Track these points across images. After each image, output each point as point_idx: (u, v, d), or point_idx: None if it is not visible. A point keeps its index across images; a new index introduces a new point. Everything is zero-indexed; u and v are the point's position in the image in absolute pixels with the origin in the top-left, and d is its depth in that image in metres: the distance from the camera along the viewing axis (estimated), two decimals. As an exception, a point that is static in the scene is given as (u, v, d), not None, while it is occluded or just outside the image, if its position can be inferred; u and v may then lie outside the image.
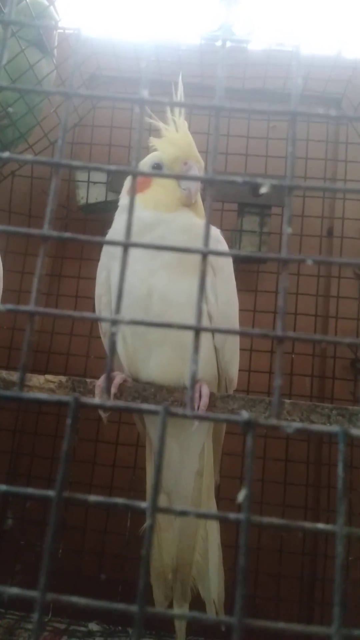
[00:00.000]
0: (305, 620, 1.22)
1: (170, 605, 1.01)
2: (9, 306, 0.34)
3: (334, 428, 0.31)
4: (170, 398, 0.79)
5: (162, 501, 0.94)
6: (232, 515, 0.30)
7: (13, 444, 1.36)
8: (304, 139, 1.40)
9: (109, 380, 0.33)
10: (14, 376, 0.78)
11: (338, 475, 0.30)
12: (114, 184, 1.38)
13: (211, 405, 0.78)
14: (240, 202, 1.36)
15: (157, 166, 0.90)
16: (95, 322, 1.32)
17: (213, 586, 0.99)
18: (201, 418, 0.32)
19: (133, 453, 1.30)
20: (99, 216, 1.43)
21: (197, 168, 0.88)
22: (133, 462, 1.29)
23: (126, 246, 0.35)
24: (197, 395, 0.78)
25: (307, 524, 0.31)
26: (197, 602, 1.01)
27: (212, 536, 1.00)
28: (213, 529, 1.00)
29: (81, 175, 1.40)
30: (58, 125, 1.39)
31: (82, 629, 1.20)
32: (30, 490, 0.31)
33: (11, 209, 1.41)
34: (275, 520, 0.30)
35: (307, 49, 1.39)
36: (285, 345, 1.49)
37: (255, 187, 1.16)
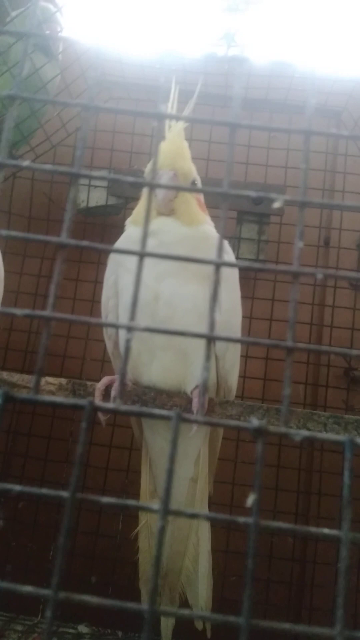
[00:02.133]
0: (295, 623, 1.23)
1: (169, 615, 1.02)
2: (26, 311, 0.35)
3: (342, 437, 0.32)
4: (169, 402, 0.80)
5: (156, 505, 0.95)
6: (241, 519, 0.31)
7: (7, 444, 1.36)
8: (304, 150, 1.42)
9: (124, 385, 0.34)
10: (14, 377, 0.79)
11: (344, 483, 0.31)
12: (114, 188, 1.39)
13: (210, 410, 0.79)
14: (239, 210, 1.38)
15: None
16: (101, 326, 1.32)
17: (201, 592, 0.99)
18: (212, 424, 0.33)
19: (126, 456, 1.30)
20: (99, 219, 1.44)
21: (168, 176, 0.87)
22: (126, 465, 1.30)
23: (142, 255, 0.36)
24: (196, 400, 0.79)
25: (313, 529, 0.32)
26: (184, 608, 1.02)
27: (203, 542, 1.01)
28: (204, 535, 1.01)
29: (82, 179, 1.41)
30: (61, 129, 1.40)
31: (72, 630, 1.21)
32: (44, 491, 0.32)
33: (11, 210, 1.41)
34: (283, 524, 0.31)
35: (309, 63, 1.41)
36: (279, 353, 1.51)
37: (256, 197, 1.17)
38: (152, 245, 0.82)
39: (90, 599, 0.31)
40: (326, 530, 0.31)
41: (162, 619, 1.01)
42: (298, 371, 1.38)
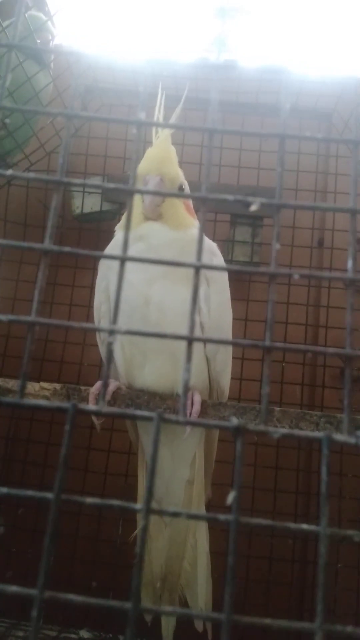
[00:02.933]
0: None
1: (158, 614, 1.02)
2: (11, 317, 0.36)
3: (318, 434, 0.32)
4: (163, 405, 0.81)
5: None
6: (221, 516, 0.32)
7: (6, 450, 1.37)
8: (296, 152, 1.43)
9: (106, 387, 0.34)
10: (9, 383, 0.79)
11: (322, 479, 0.32)
12: (108, 194, 1.40)
13: (203, 412, 0.80)
14: (232, 213, 1.39)
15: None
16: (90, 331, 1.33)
17: (201, 595, 1.00)
18: (193, 424, 0.34)
19: (125, 461, 1.31)
20: (93, 225, 1.45)
21: (155, 182, 0.88)
22: (125, 470, 1.30)
23: (123, 260, 0.37)
24: (189, 402, 0.80)
25: (292, 525, 0.32)
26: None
27: (201, 545, 1.01)
28: (202, 537, 1.01)
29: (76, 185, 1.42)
30: (55, 136, 1.41)
31: (73, 636, 1.21)
32: (29, 493, 0.33)
33: (7, 217, 1.43)
34: (263, 521, 0.32)
35: (299, 65, 1.43)
36: (276, 354, 1.51)
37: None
38: (140, 249, 0.83)
39: (75, 598, 0.32)
40: (305, 526, 0.32)
41: (163, 621, 1.01)
42: (295, 372, 1.38)
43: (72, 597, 0.31)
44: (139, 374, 0.89)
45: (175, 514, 0.32)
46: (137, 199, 0.87)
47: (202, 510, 1.02)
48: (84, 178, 1.44)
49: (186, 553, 1.00)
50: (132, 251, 0.83)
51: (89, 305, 1.33)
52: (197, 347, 0.88)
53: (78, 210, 1.41)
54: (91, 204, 1.42)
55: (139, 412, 0.34)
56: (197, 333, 0.87)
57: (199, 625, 1.00)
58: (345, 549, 1.23)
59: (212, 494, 1.10)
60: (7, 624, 1.22)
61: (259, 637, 1.08)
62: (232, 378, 1.05)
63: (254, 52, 1.54)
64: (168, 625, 1.01)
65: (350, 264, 0.38)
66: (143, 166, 0.89)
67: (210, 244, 0.94)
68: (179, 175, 0.92)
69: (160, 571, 1.01)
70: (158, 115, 0.92)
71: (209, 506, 1.07)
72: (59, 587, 0.31)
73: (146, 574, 1.00)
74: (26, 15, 1.21)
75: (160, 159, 0.90)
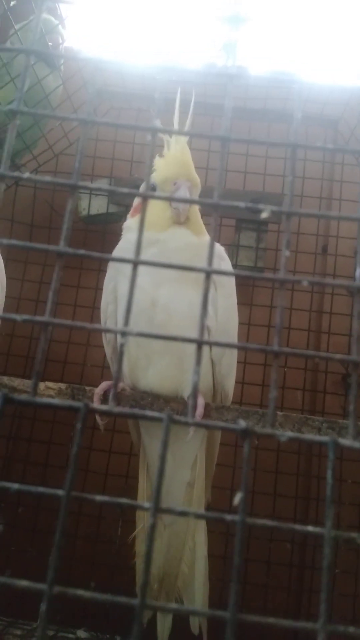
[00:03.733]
0: (293, 630, 1.23)
1: (154, 616, 1.03)
2: (25, 316, 0.37)
3: (324, 438, 0.33)
4: (166, 407, 0.82)
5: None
6: (228, 517, 0.32)
7: (7, 450, 1.37)
8: (302, 159, 1.44)
9: (117, 387, 0.35)
10: (16, 382, 0.80)
11: (327, 482, 0.33)
12: (115, 197, 1.41)
13: (206, 415, 0.81)
14: (237, 218, 1.40)
15: (152, 188, 0.93)
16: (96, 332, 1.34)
17: (197, 597, 1.00)
18: (201, 425, 0.34)
19: (126, 461, 1.31)
20: (99, 227, 1.46)
21: (187, 187, 0.90)
22: (126, 471, 1.31)
23: (135, 263, 0.38)
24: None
25: (298, 527, 0.33)
26: (181, 614, 1.02)
27: (199, 548, 1.02)
28: (201, 540, 1.02)
29: (90, 189, 1.43)
30: (63, 138, 1.42)
31: (71, 635, 1.21)
32: (41, 489, 0.34)
33: (14, 218, 1.44)
34: (269, 522, 0.33)
35: (307, 72, 1.44)
36: (278, 359, 1.51)
37: (245, 207, 1.19)
38: (154, 253, 0.84)
39: (84, 593, 0.32)
40: (310, 528, 0.33)
41: (159, 623, 1.01)
42: (296, 377, 1.39)
43: (81, 592, 0.32)
44: (143, 375, 0.90)
45: (183, 513, 0.33)
46: (161, 203, 0.89)
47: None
48: (91, 180, 1.45)
49: (184, 555, 1.01)
50: (145, 254, 0.84)
51: (94, 306, 1.34)
52: (204, 350, 0.89)
53: (85, 212, 1.42)
54: (98, 206, 1.43)
55: (149, 413, 0.34)
56: (204, 336, 0.88)
57: (194, 628, 1.00)
58: (342, 555, 1.23)
59: (212, 497, 1.10)
60: (5, 623, 1.22)
61: (258, 634, 1.08)
62: (234, 382, 1.06)
63: (262, 58, 1.55)
64: (164, 628, 1.01)
65: (358, 272, 0.38)
66: (172, 170, 0.91)
67: (219, 249, 0.96)
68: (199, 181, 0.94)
69: (158, 573, 1.01)
70: (174, 121, 0.94)
71: (208, 509, 1.07)
72: (69, 596, 0.32)
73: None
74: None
75: (187, 163, 0.92)
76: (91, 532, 1.30)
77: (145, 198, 0.41)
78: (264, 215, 0.39)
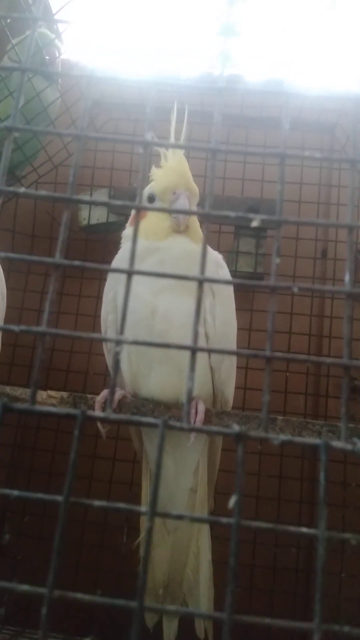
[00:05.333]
0: (299, 635, 1.23)
1: (160, 621, 1.03)
2: (23, 327, 0.38)
3: (317, 440, 0.34)
4: (167, 414, 0.82)
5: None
6: (224, 519, 0.33)
7: (12, 458, 1.38)
8: (299, 165, 1.45)
9: (112, 394, 0.36)
10: (18, 391, 0.81)
11: (320, 484, 0.33)
12: (115, 206, 1.43)
13: (207, 421, 0.81)
14: (236, 225, 1.41)
15: (151, 197, 0.94)
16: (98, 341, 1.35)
17: (202, 602, 1.00)
18: (196, 430, 0.35)
19: (130, 469, 1.32)
20: (100, 237, 1.47)
21: (186, 196, 0.91)
22: (130, 479, 1.31)
23: (130, 273, 0.39)
24: (193, 410, 0.82)
25: (292, 528, 0.34)
26: (187, 618, 1.03)
27: (204, 553, 1.02)
28: (205, 545, 1.02)
29: (83, 197, 1.45)
30: (62, 150, 1.44)
31: (78, 644, 1.21)
32: (39, 495, 0.34)
33: (15, 229, 1.45)
34: (263, 524, 0.33)
35: (302, 79, 1.45)
36: (280, 364, 1.52)
37: (249, 213, 1.21)
38: (154, 261, 0.85)
39: (83, 597, 0.33)
40: (304, 529, 0.33)
41: (165, 628, 1.02)
42: (298, 382, 1.39)
43: (79, 595, 0.33)
44: (144, 383, 0.91)
45: (179, 517, 0.34)
46: (158, 215, 0.91)
47: (206, 518, 1.02)
48: (91, 190, 1.46)
49: (189, 561, 1.01)
50: (146, 263, 0.86)
51: (95, 315, 1.35)
52: (202, 357, 0.90)
53: (85, 222, 1.44)
54: (98, 215, 1.44)
55: (145, 419, 0.35)
56: (202, 343, 0.89)
57: (200, 632, 1.00)
58: (348, 559, 1.23)
59: (215, 503, 1.11)
60: (12, 632, 1.22)
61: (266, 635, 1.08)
62: (236, 387, 1.07)
63: (258, 66, 1.57)
64: (170, 632, 1.02)
65: (347, 277, 0.39)
66: (171, 180, 0.93)
67: (216, 256, 0.97)
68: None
69: (162, 578, 1.01)
70: (172, 132, 0.95)
71: (212, 515, 1.07)
72: (69, 599, 0.33)
73: (149, 581, 1.01)
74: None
75: (185, 173, 0.94)
76: (97, 540, 1.31)
77: (138, 210, 0.42)
78: (255, 224, 0.40)
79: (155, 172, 0.95)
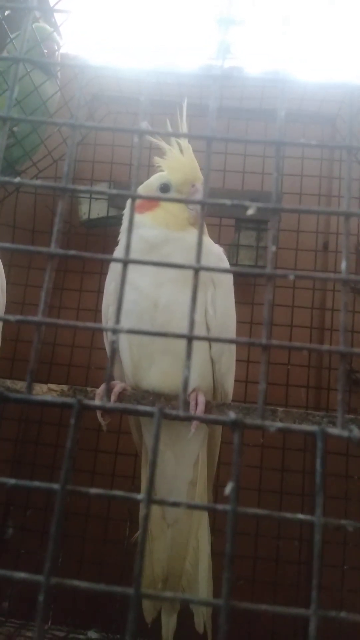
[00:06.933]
0: (302, 627, 1.23)
1: (159, 615, 1.03)
2: (18, 317, 0.38)
3: (313, 427, 0.34)
4: (168, 405, 0.83)
5: (156, 509, 0.97)
6: (219, 506, 0.33)
7: (15, 453, 1.39)
8: (300, 157, 1.45)
9: (109, 383, 0.36)
10: (18, 385, 0.81)
11: (316, 470, 0.33)
12: (115, 200, 1.43)
13: (207, 413, 0.81)
14: (237, 218, 1.40)
15: (165, 187, 0.94)
16: (96, 333, 1.35)
17: (202, 596, 1.00)
18: (192, 418, 0.35)
19: (132, 463, 1.32)
20: (100, 231, 1.47)
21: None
22: (132, 472, 1.32)
23: (125, 263, 0.38)
24: (193, 403, 0.82)
25: (289, 515, 0.34)
26: (186, 613, 1.03)
27: (203, 546, 1.02)
28: (204, 539, 1.02)
29: (82, 192, 1.45)
30: (62, 144, 1.44)
31: (81, 636, 1.22)
32: (36, 483, 0.35)
33: (15, 224, 1.45)
34: (259, 510, 0.33)
35: (303, 70, 1.44)
36: (282, 357, 1.51)
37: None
38: (169, 251, 0.86)
39: (80, 584, 0.33)
40: (300, 516, 0.33)
41: (163, 622, 1.02)
42: (300, 374, 1.39)
43: (77, 583, 0.33)
44: (145, 375, 0.91)
45: (175, 504, 0.34)
46: (176, 205, 0.91)
47: (205, 512, 1.02)
48: (91, 184, 1.46)
49: (188, 554, 1.01)
50: (159, 253, 0.86)
51: (96, 310, 1.35)
52: (203, 348, 0.90)
53: (85, 217, 1.44)
54: (98, 210, 1.44)
55: (141, 407, 0.35)
56: (203, 333, 0.90)
57: (199, 627, 1.00)
58: (351, 551, 1.23)
59: (216, 496, 1.11)
60: (16, 625, 1.23)
61: (267, 626, 1.08)
62: (237, 380, 1.07)
63: (258, 58, 1.56)
64: (168, 627, 1.02)
65: (344, 265, 0.39)
66: (191, 173, 0.94)
67: (217, 249, 0.98)
68: None
69: (162, 572, 1.02)
70: (181, 124, 0.96)
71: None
72: (66, 587, 0.33)
73: (148, 575, 1.01)
74: (33, 26, 1.23)
75: (196, 167, 0.95)
76: (99, 533, 1.31)
77: (134, 199, 0.42)
78: (250, 212, 0.40)
79: (164, 163, 0.95)
